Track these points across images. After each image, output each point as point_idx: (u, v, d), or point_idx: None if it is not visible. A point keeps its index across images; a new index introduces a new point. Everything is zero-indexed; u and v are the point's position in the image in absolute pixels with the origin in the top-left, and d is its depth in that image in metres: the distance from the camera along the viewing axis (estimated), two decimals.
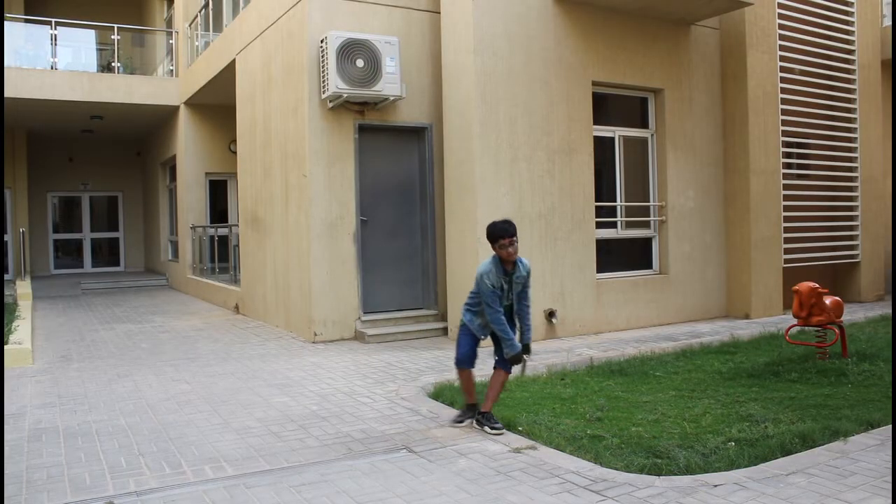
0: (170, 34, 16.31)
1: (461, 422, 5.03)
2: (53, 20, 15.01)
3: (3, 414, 5.41)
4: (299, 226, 8.86)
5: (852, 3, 11.05)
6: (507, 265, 4.80)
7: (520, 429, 4.85)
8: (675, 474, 4.01)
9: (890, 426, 4.64)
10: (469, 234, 8.17)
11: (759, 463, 4.11)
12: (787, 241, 10.20)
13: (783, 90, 10.16)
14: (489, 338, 4.99)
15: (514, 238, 4.75)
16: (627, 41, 9.23)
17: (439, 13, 8.80)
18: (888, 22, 12.24)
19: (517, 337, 4.88)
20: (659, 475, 3.98)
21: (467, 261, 8.17)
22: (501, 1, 8.23)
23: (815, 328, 6.77)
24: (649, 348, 7.65)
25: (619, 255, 9.52)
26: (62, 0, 17.66)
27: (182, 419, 5.38)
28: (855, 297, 11.21)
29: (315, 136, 8.50)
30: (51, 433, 5.08)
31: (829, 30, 10.83)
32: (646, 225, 9.73)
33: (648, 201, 9.73)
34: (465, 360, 4.99)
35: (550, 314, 8.46)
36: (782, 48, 10.16)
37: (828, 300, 6.61)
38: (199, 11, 14.45)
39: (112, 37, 15.41)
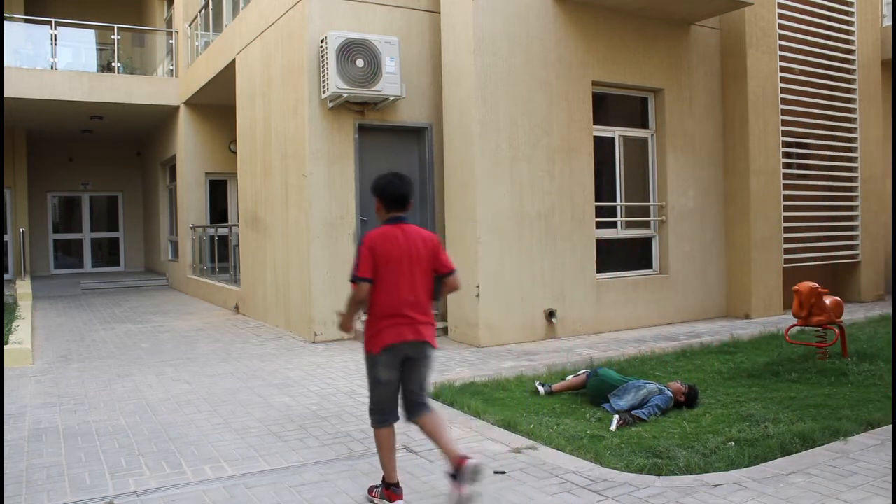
0: (170, 34, 16.30)
1: None
2: (53, 20, 14.99)
3: (3, 414, 5.41)
4: (299, 226, 8.86)
5: (852, 3, 11.04)
6: None
7: (520, 429, 4.84)
8: (675, 474, 4.00)
9: (890, 426, 4.64)
10: (469, 233, 8.16)
11: (759, 463, 4.11)
12: (787, 241, 10.19)
13: (783, 90, 10.15)
14: None
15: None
16: (627, 41, 9.23)
17: (439, 13, 8.80)
18: (888, 22, 12.23)
19: None
20: (659, 475, 3.98)
21: (467, 260, 8.16)
22: (501, 1, 8.23)
23: (815, 328, 6.77)
24: (649, 348, 7.65)
25: (619, 255, 9.52)
26: (62, 0, 17.66)
27: (182, 419, 5.37)
28: (855, 297, 11.20)
29: (315, 136, 8.50)
30: (51, 433, 5.08)
31: (829, 30, 10.82)
32: (646, 225, 9.72)
33: (648, 201, 9.73)
34: None
35: (550, 314, 8.45)
36: (782, 48, 10.16)
37: (828, 300, 6.60)
38: (199, 11, 14.45)
39: (112, 37, 15.40)
